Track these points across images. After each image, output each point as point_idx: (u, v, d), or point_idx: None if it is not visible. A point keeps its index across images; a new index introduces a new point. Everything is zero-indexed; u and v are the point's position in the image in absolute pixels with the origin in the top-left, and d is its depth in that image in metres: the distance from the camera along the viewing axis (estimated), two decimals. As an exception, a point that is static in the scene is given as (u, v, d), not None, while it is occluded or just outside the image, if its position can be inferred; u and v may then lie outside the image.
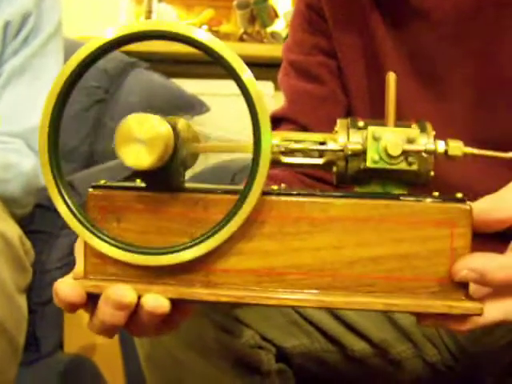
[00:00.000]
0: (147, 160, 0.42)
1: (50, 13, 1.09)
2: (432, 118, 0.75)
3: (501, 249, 0.50)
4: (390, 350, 0.78)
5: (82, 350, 1.09)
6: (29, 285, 1.01)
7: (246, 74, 0.43)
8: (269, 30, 2.06)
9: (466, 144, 0.73)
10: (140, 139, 0.42)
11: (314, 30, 0.85)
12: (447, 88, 0.75)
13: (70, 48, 0.86)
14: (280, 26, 2.09)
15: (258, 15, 2.00)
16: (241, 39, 2.03)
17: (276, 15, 2.08)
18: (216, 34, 2.11)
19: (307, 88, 0.84)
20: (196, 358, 0.73)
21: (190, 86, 1.60)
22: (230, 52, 0.43)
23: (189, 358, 0.73)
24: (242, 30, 2.05)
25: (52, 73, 1.09)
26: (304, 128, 0.82)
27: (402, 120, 0.76)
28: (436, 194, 0.49)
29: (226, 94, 1.80)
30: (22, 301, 0.95)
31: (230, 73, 0.43)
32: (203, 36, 0.44)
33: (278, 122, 0.86)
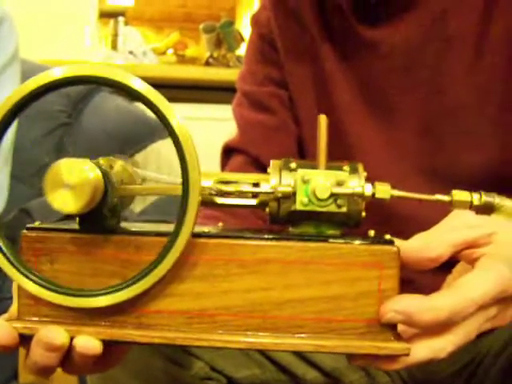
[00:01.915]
0: (73, 206, 0.42)
1: (7, 40, 1.09)
2: (382, 148, 0.77)
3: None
4: (343, 379, 0.79)
5: (37, 379, 1.07)
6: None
7: (175, 120, 0.44)
8: (235, 53, 2.07)
9: (415, 173, 0.76)
10: (68, 185, 0.42)
11: (267, 60, 0.86)
12: (397, 118, 0.77)
13: (33, 72, 0.86)
14: (246, 50, 2.11)
15: (224, 39, 2.01)
16: (207, 63, 2.04)
17: (242, 39, 2.09)
18: (182, 57, 2.12)
19: (258, 118, 0.85)
20: (146, 391, 0.73)
21: (154, 110, 1.60)
22: (160, 98, 0.44)
23: (139, 390, 0.73)
24: (208, 54, 2.06)
25: None
26: (255, 158, 0.83)
27: (350, 149, 0.78)
28: (372, 232, 0.50)
29: (191, 118, 1.81)
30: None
31: (159, 118, 0.44)
32: (136, 84, 0.44)
33: (230, 152, 0.86)
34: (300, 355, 0.78)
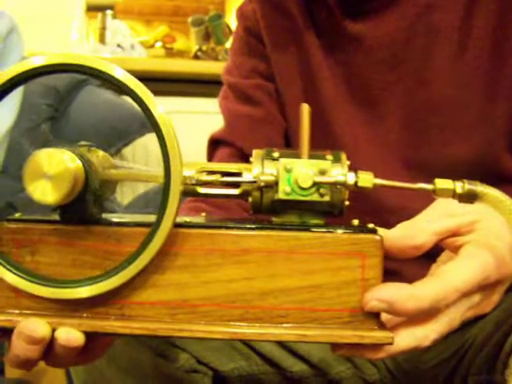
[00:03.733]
0: (53, 196, 0.42)
1: (15, 49, 1.12)
2: (368, 142, 0.77)
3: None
4: (330, 371, 0.79)
5: (24, 374, 1.07)
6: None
7: (157, 110, 0.43)
8: (223, 47, 2.06)
9: (400, 166, 0.76)
10: (48, 175, 0.42)
11: (253, 53, 0.86)
12: (382, 111, 0.77)
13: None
14: (235, 43, 2.09)
15: (213, 32, 2.00)
16: (195, 56, 2.03)
17: (231, 32, 2.08)
18: (170, 51, 2.11)
19: (244, 110, 0.85)
20: (132, 384, 0.73)
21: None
22: (141, 88, 0.44)
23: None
24: (196, 47, 2.05)
25: (10, 103, 1.13)
26: (241, 150, 0.83)
27: (336, 142, 0.77)
28: (356, 222, 0.50)
29: (179, 111, 1.80)
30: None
31: (142, 108, 0.44)
32: (119, 73, 0.44)
33: (216, 144, 0.86)
34: (286, 347, 0.78)
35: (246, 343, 0.77)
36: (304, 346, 0.77)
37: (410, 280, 0.48)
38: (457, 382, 0.72)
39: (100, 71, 0.44)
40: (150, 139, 1.66)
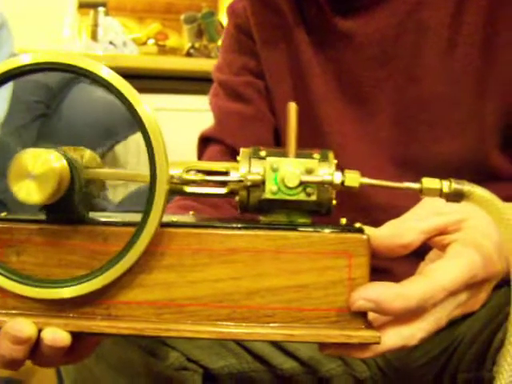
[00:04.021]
0: (38, 196, 0.42)
1: (6, 43, 1.12)
2: (358, 139, 0.77)
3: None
4: (320, 368, 0.79)
5: (14, 373, 1.07)
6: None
7: (142, 108, 0.43)
8: (216, 44, 2.06)
9: (390, 164, 0.76)
10: (32, 175, 0.42)
11: (243, 50, 0.86)
12: (372, 108, 0.77)
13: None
14: (227, 40, 2.09)
15: (206, 30, 2.00)
16: (188, 54, 2.03)
17: (223, 30, 2.08)
18: (163, 48, 2.11)
19: (234, 108, 0.84)
20: (123, 383, 0.73)
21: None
22: (126, 86, 0.43)
23: (116, 382, 0.73)
24: (189, 45, 2.05)
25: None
26: (231, 148, 0.82)
27: (326, 140, 0.77)
28: (343, 221, 0.50)
29: (171, 109, 1.80)
30: None
31: (126, 106, 0.43)
32: (102, 71, 0.44)
33: (206, 141, 0.86)
34: (276, 345, 0.78)
35: (234, 340, 0.77)
36: (294, 343, 0.77)
37: (400, 278, 0.48)
38: (446, 380, 0.72)
39: (83, 69, 0.44)
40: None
